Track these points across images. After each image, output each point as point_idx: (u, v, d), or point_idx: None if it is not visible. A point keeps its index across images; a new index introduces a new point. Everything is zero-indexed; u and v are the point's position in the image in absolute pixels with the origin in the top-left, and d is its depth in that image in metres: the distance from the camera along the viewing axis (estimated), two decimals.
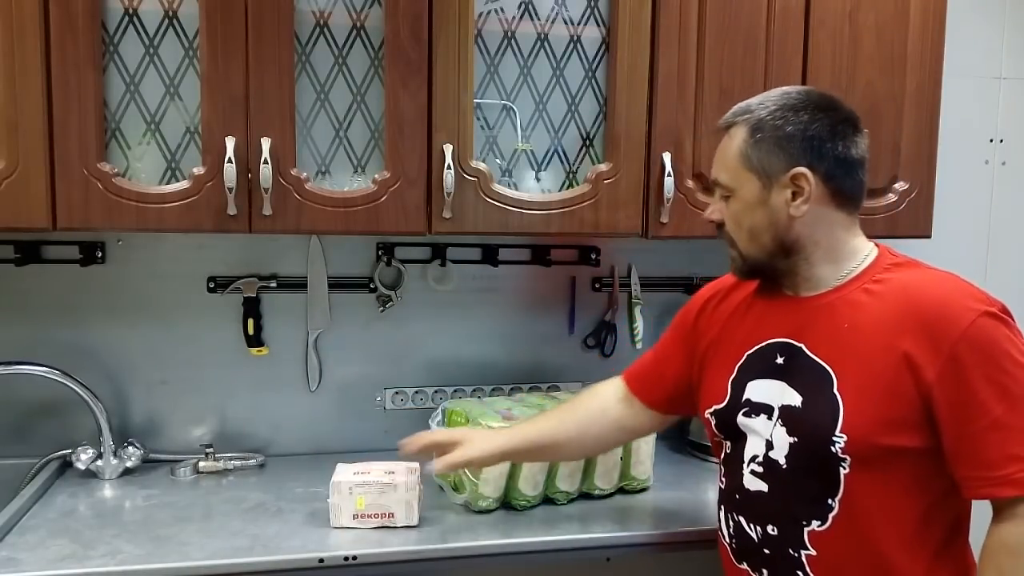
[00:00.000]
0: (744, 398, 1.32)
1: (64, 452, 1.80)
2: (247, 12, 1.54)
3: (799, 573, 1.26)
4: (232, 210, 1.55)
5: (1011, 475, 1.13)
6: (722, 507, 1.39)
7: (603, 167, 1.73)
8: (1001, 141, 2.30)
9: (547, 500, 1.68)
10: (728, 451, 1.37)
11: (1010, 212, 2.32)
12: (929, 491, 1.20)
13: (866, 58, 1.81)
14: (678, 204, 1.75)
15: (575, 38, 1.74)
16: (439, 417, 1.70)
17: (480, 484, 1.59)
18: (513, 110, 1.73)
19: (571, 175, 1.77)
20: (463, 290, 2.01)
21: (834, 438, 1.20)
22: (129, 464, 1.79)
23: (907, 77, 1.84)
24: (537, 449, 1.53)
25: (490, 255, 2.00)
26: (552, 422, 1.54)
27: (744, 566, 1.34)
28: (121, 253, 1.85)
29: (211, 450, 1.83)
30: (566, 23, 1.73)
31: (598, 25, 1.74)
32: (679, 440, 2.05)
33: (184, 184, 1.56)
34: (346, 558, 1.44)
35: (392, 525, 1.53)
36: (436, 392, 2.01)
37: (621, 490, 1.75)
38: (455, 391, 2.02)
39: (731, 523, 1.35)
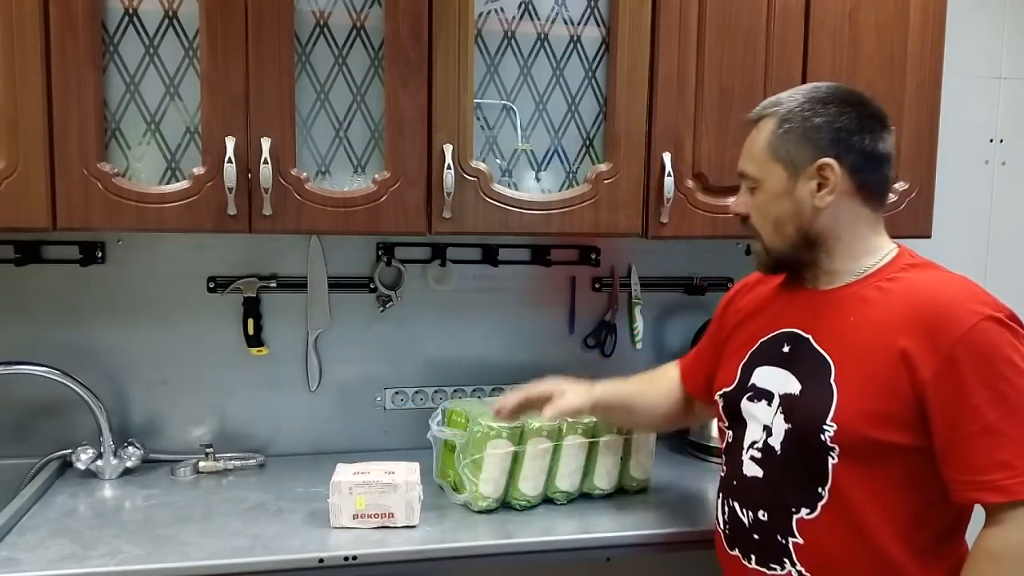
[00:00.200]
0: (750, 383, 1.34)
1: (64, 452, 1.80)
2: (247, 12, 1.54)
3: (785, 560, 1.27)
4: (232, 210, 1.55)
5: (996, 481, 1.13)
6: (720, 495, 1.41)
7: (603, 167, 1.73)
8: (1001, 141, 2.30)
9: (547, 500, 1.68)
10: (730, 440, 1.39)
11: (1010, 212, 2.32)
12: (924, 490, 1.21)
13: (866, 58, 1.81)
14: (678, 204, 1.75)
15: (575, 38, 1.74)
16: (439, 417, 1.70)
17: (480, 484, 1.60)
18: (513, 110, 1.73)
19: (571, 175, 1.77)
20: (463, 290, 2.01)
21: (824, 426, 1.21)
22: (129, 464, 1.79)
23: (907, 77, 1.84)
24: (618, 408, 1.60)
25: (490, 255, 2.00)
26: (633, 388, 1.62)
27: (735, 552, 1.35)
28: (121, 253, 1.85)
29: (211, 450, 1.83)
30: (566, 23, 1.73)
31: (598, 25, 1.74)
32: (679, 440, 2.05)
33: (184, 184, 1.56)
34: (346, 558, 1.44)
35: (392, 525, 1.53)
36: (436, 392, 2.01)
37: (621, 490, 1.75)
38: (455, 391, 2.02)
39: (726, 509, 1.37)
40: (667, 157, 1.73)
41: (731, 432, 1.39)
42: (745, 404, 1.34)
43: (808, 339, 1.29)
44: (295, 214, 1.60)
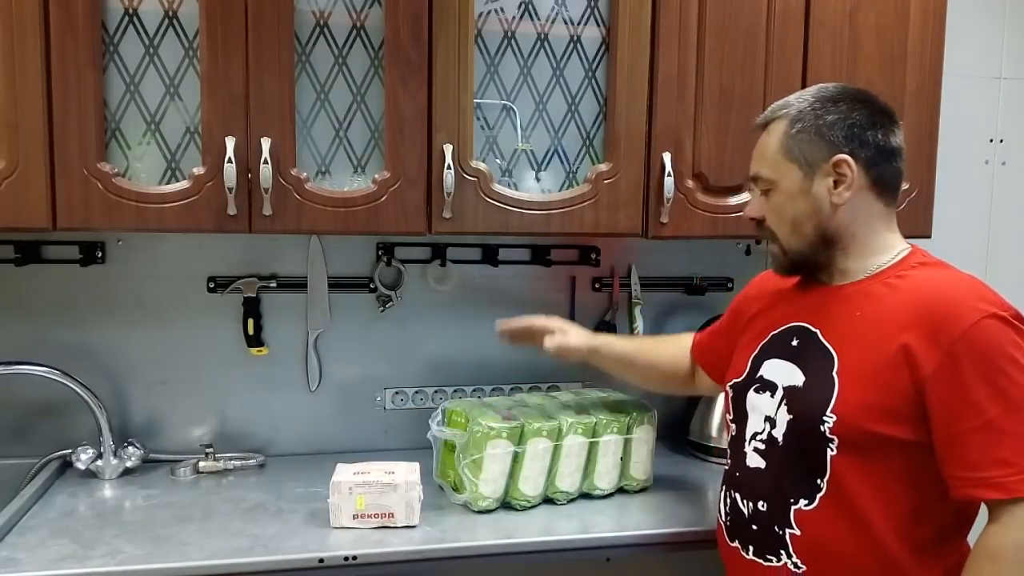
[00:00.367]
0: (758, 375, 1.36)
1: (64, 452, 1.80)
2: (247, 12, 1.54)
3: (781, 552, 1.28)
4: (232, 210, 1.55)
5: (995, 478, 1.13)
6: (723, 487, 1.42)
7: (603, 167, 1.73)
8: (1001, 141, 2.30)
9: (547, 500, 1.68)
10: (733, 433, 1.41)
11: (1010, 212, 2.32)
12: (925, 486, 1.21)
13: (866, 58, 1.81)
14: (678, 204, 1.75)
15: (575, 38, 1.74)
16: (439, 417, 1.70)
17: (480, 484, 1.60)
18: (513, 110, 1.73)
19: (571, 175, 1.77)
20: (463, 290, 2.01)
21: (824, 417, 1.22)
22: (129, 464, 1.79)
23: (907, 77, 1.84)
24: (615, 361, 1.70)
25: (490, 255, 2.00)
26: (636, 346, 1.76)
27: (735, 544, 1.36)
28: (121, 253, 1.85)
29: (211, 450, 1.83)
30: (566, 23, 1.73)
31: (598, 25, 1.74)
32: (679, 440, 2.05)
33: (184, 184, 1.56)
34: (346, 558, 1.44)
35: (392, 525, 1.53)
36: (436, 392, 2.01)
37: (621, 490, 1.75)
38: (455, 391, 2.02)
39: (728, 501, 1.38)
40: (667, 157, 1.73)
41: (735, 425, 1.40)
42: (751, 396, 1.36)
43: (815, 333, 1.30)
44: (295, 214, 1.60)
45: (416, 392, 2.01)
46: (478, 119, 1.70)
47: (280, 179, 1.57)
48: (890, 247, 1.31)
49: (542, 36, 1.72)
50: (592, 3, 1.73)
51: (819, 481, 1.24)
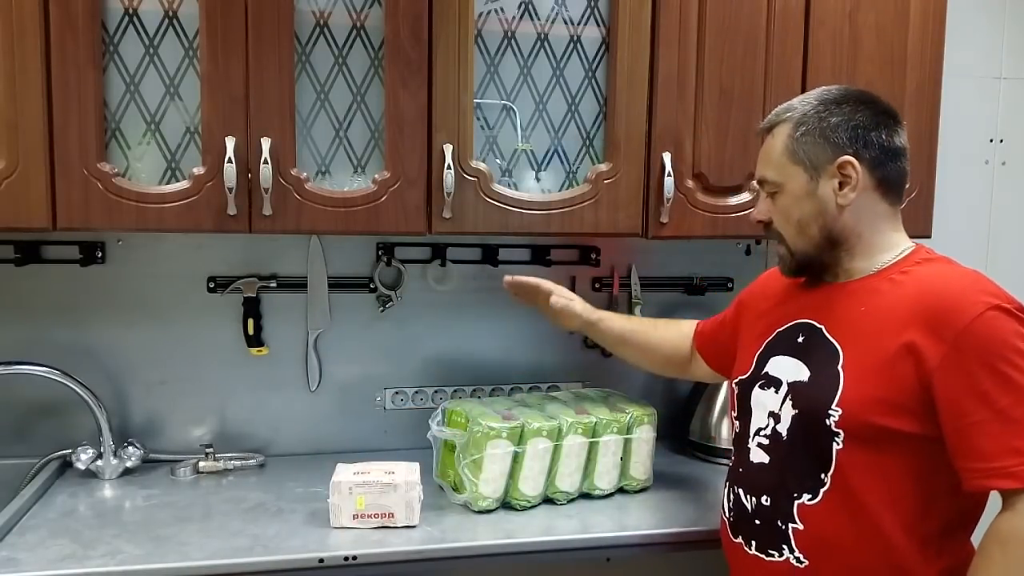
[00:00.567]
0: (764, 371, 1.37)
1: (64, 452, 1.80)
2: (247, 12, 1.54)
3: (784, 547, 1.28)
4: (232, 210, 1.55)
5: (1008, 468, 1.13)
6: (727, 484, 1.42)
7: (603, 167, 1.73)
8: (1001, 141, 2.30)
9: (547, 500, 1.68)
10: (737, 430, 1.42)
11: (1010, 212, 2.32)
12: (931, 480, 1.21)
13: (866, 58, 1.81)
14: (678, 204, 1.75)
15: (575, 38, 1.74)
16: (439, 417, 1.70)
17: (480, 484, 1.60)
18: (513, 110, 1.73)
19: (571, 175, 1.77)
20: (463, 290, 2.01)
21: (830, 411, 1.23)
22: (129, 464, 1.79)
23: (907, 77, 1.84)
24: (613, 336, 1.73)
25: (490, 255, 2.00)
26: (633, 325, 1.76)
27: (739, 540, 1.36)
28: (121, 253, 1.85)
29: (211, 450, 1.83)
30: (566, 23, 1.73)
31: (598, 25, 1.74)
32: (679, 440, 2.05)
33: (184, 184, 1.56)
34: (346, 558, 1.44)
35: (392, 525, 1.53)
36: (436, 392, 2.01)
37: (621, 490, 1.75)
38: (455, 391, 2.02)
39: (731, 496, 1.39)
40: (667, 157, 1.73)
41: (739, 422, 1.41)
42: (756, 392, 1.37)
43: (820, 328, 1.31)
44: (295, 214, 1.60)
45: (416, 392, 2.01)
46: (478, 119, 1.70)
47: (280, 179, 1.57)
48: (894, 245, 1.32)
49: (542, 36, 1.72)
50: (592, 3, 1.73)
51: (823, 476, 1.25)
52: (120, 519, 1.57)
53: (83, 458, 1.76)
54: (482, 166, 1.67)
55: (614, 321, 1.74)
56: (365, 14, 1.63)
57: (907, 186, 1.34)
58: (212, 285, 1.88)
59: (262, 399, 1.94)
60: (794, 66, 1.78)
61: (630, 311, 2.08)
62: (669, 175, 1.72)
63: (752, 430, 1.36)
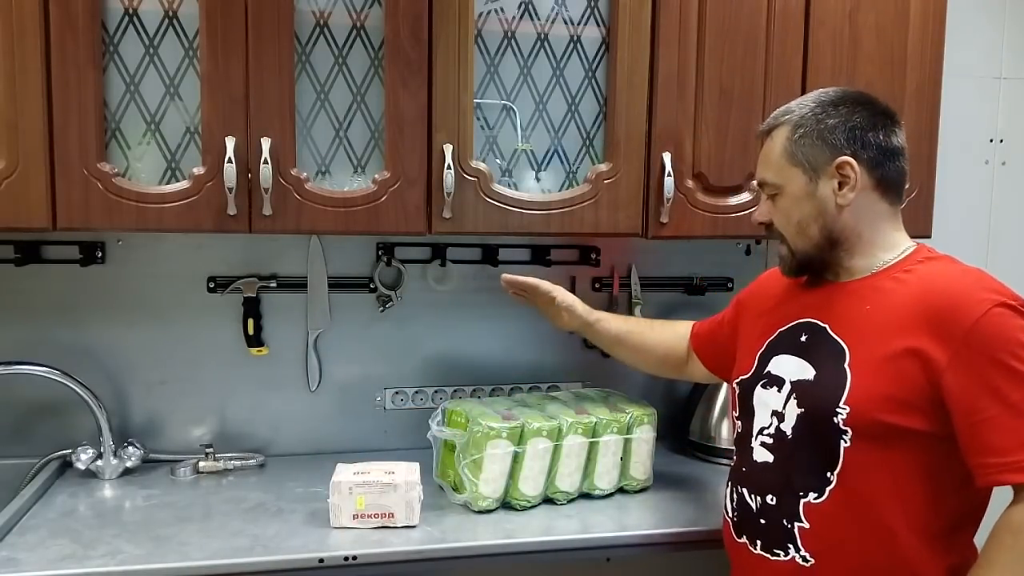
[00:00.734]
0: (766, 371, 1.37)
1: (64, 452, 1.80)
2: (247, 12, 1.54)
3: (789, 546, 1.28)
4: (232, 210, 1.55)
5: (1022, 461, 1.14)
6: (729, 484, 1.42)
7: (603, 167, 1.73)
8: (1001, 141, 2.30)
9: (547, 500, 1.68)
10: (739, 430, 1.42)
11: (1010, 212, 2.32)
12: (939, 478, 1.22)
13: (866, 58, 1.81)
14: (678, 204, 1.75)
15: (575, 38, 1.74)
16: (439, 417, 1.70)
17: (480, 484, 1.60)
18: (513, 110, 1.73)
19: (571, 175, 1.77)
20: (463, 290, 2.01)
21: (838, 409, 1.23)
22: (129, 464, 1.79)
23: (907, 77, 1.84)
24: (609, 336, 1.73)
25: (490, 255, 2.00)
26: (629, 326, 1.76)
27: (743, 540, 1.36)
28: (121, 253, 1.85)
29: (211, 450, 1.83)
30: (566, 23, 1.73)
31: (598, 25, 1.74)
32: (679, 440, 2.05)
33: (184, 184, 1.56)
34: (346, 558, 1.44)
35: (392, 525, 1.53)
36: (436, 392, 2.01)
37: (621, 490, 1.75)
38: (455, 391, 2.02)
39: (735, 496, 1.39)
40: (667, 157, 1.73)
41: (740, 422, 1.42)
42: (758, 391, 1.37)
43: (824, 327, 1.31)
44: (295, 214, 1.60)
45: (416, 392, 2.01)
46: (478, 119, 1.70)
47: (280, 179, 1.57)
48: (895, 244, 1.33)
49: (542, 36, 1.72)
50: (592, 3, 1.73)
51: (829, 474, 1.25)
52: (120, 519, 1.57)
53: (83, 458, 1.76)
54: (482, 166, 1.67)
55: (610, 322, 1.74)
56: (365, 14, 1.63)
57: (907, 186, 1.35)
58: (212, 285, 1.88)
59: (262, 399, 1.94)
60: (794, 66, 1.78)
61: (630, 311, 2.08)
62: (669, 175, 1.72)
63: (755, 429, 1.36)
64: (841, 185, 1.28)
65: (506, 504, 1.65)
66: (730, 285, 2.15)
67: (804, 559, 1.27)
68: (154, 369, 1.88)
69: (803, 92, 1.58)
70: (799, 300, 1.39)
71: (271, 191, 1.55)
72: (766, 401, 1.35)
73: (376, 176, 1.63)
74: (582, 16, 1.73)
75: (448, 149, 1.62)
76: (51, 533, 1.49)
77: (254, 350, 1.90)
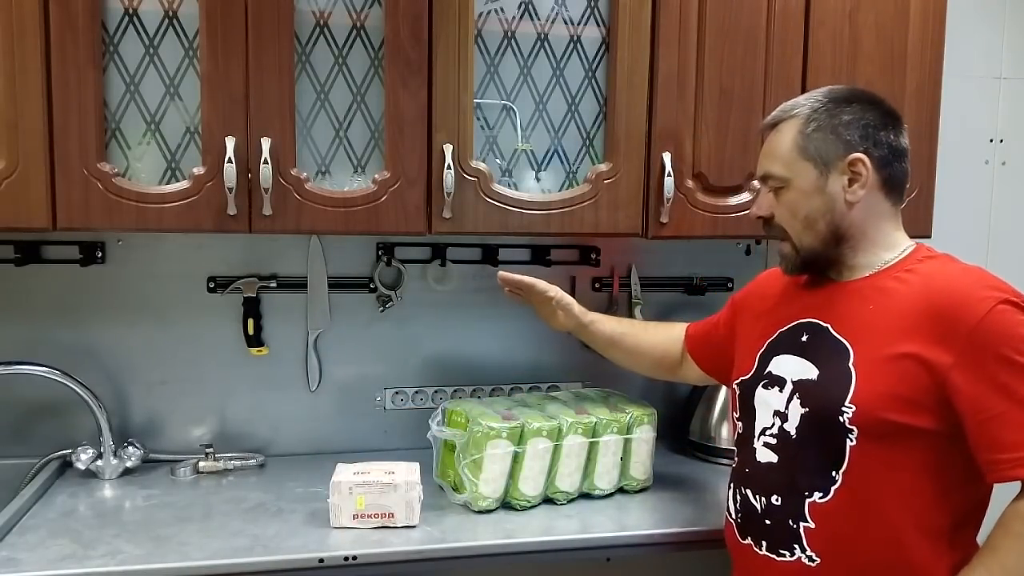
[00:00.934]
0: (767, 371, 1.37)
1: (64, 452, 1.80)
2: (247, 12, 1.54)
3: (795, 546, 1.28)
4: (232, 210, 1.55)
5: None
6: (731, 485, 1.42)
7: (603, 167, 1.73)
8: (1001, 141, 2.30)
9: (547, 500, 1.68)
10: (740, 431, 1.42)
11: (1010, 212, 2.32)
12: (943, 476, 1.22)
13: (866, 58, 1.81)
14: (678, 204, 1.75)
15: (575, 38, 1.74)
16: (439, 417, 1.70)
17: (480, 484, 1.60)
18: (513, 110, 1.73)
19: (571, 175, 1.77)
20: (463, 290, 2.01)
21: (843, 408, 1.23)
22: (129, 464, 1.79)
23: (907, 77, 1.84)
24: (603, 338, 1.73)
25: (490, 255, 2.00)
26: (623, 328, 1.75)
27: (747, 541, 1.36)
28: (121, 253, 1.85)
29: (211, 450, 1.83)
30: (566, 23, 1.73)
31: (598, 25, 1.74)
32: (679, 440, 2.05)
33: (184, 184, 1.56)
34: (346, 558, 1.44)
35: (392, 525, 1.53)
36: (436, 392, 2.02)
37: (621, 490, 1.75)
38: (455, 391, 2.02)
39: (738, 498, 1.38)
40: (667, 157, 1.73)
41: (742, 423, 1.41)
42: (759, 392, 1.37)
43: (827, 327, 1.31)
44: (295, 214, 1.60)
45: (416, 392, 2.01)
46: (478, 119, 1.70)
47: (280, 179, 1.57)
48: (896, 244, 1.33)
49: (542, 36, 1.72)
50: (592, 3, 1.73)
51: (834, 473, 1.25)
52: (120, 519, 1.57)
53: (83, 458, 1.76)
54: (482, 166, 1.67)
55: (605, 324, 1.73)
56: (365, 14, 1.63)
57: (908, 186, 1.35)
58: (212, 285, 1.88)
59: (262, 399, 1.94)
60: (794, 66, 1.78)
61: (630, 311, 2.08)
62: (669, 175, 1.72)
63: (757, 430, 1.36)
64: (851, 182, 1.29)
65: (506, 504, 1.65)
66: (730, 285, 2.15)
67: (810, 559, 1.27)
68: (154, 369, 1.88)
69: (803, 92, 1.57)
70: (799, 300, 1.39)
71: (271, 191, 1.55)
72: (767, 401, 1.35)
73: (376, 176, 1.63)
74: (582, 16, 1.73)
75: (448, 149, 1.62)
76: (51, 533, 1.49)
77: (254, 350, 1.90)
